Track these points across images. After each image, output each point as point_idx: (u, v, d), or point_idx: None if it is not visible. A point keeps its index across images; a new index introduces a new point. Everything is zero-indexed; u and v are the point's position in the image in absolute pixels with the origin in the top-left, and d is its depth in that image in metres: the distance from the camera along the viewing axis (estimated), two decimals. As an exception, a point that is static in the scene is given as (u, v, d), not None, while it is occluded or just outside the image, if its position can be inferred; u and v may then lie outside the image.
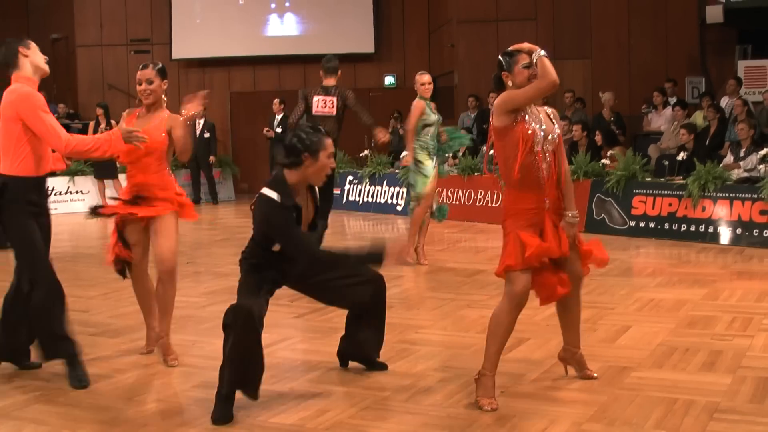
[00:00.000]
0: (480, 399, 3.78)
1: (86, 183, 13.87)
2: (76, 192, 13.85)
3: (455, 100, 14.77)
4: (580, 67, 14.12)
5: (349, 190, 13.49)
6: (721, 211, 8.82)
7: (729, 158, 9.63)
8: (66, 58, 16.56)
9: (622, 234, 9.45)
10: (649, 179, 9.71)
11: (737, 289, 6.34)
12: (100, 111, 13.65)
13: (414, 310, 5.95)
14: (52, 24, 16.87)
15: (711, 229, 8.85)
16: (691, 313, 5.58)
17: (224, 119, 16.73)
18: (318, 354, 4.77)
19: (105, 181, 13.32)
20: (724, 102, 11.51)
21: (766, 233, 8.43)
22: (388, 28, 16.64)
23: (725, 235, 8.75)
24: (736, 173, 9.12)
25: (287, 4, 16.56)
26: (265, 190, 3.86)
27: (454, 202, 11.60)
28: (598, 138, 11.29)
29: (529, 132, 3.75)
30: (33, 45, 4.30)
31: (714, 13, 12.44)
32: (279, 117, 14.30)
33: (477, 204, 11.37)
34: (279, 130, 14.07)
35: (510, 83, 3.81)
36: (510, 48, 3.85)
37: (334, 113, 7.52)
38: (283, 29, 16.60)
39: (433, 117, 7.59)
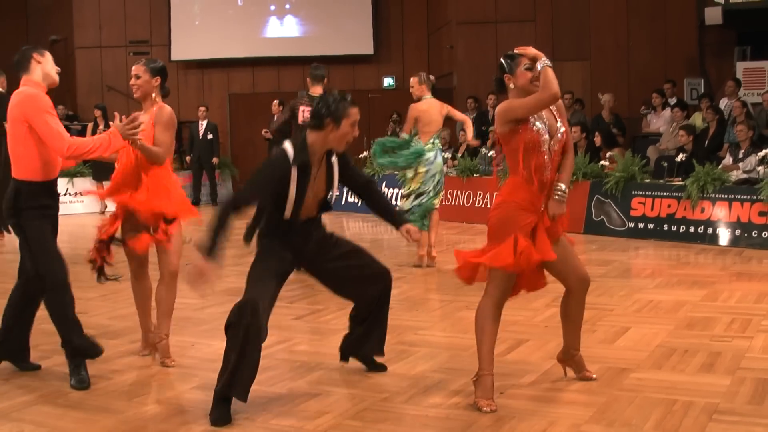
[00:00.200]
0: (479, 400, 3.77)
1: (85, 185, 13.86)
2: (75, 194, 13.86)
3: (454, 102, 14.73)
4: (579, 69, 14.12)
5: (348, 192, 13.44)
6: (720, 212, 8.82)
7: (728, 159, 9.64)
8: (65, 60, 16.50)
9: (621, 235, 9.46)
10: (648, 180, 9.73)
11: (736, 291, 6.35)
12: (98, 112, 13.66)
13: (413, 311, 5.94)
14: (51, 26, 16.89)
15: (710, 231, 8.85)
16: (690, 314, 5.58)
17: (223, 121, 16.71)
18: (317, 355, 4.77)
19: (104, 183, 13.31)
20: (723, 103, 11.49)
21: (765, 234, 8.44)
22: (387, 29, 16.65)
23: (724, 236, 8.76)
24: (735, 174, 9.12)
25: (287, 6, 16.58)
26: (287, 144, 4.00)
27: (453, 203, 11.61)
28: (597, 139, 11.30)
29: (535, 133, 3.74)
30: (48, 54, 4.38)
31: (713, 15, 12.43)
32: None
33: (476, 205, 11.38)
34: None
35: (512, 86, 3.80)
36: (515, 51, 3.81)
37: None
38: (283, 30, 16.61)
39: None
